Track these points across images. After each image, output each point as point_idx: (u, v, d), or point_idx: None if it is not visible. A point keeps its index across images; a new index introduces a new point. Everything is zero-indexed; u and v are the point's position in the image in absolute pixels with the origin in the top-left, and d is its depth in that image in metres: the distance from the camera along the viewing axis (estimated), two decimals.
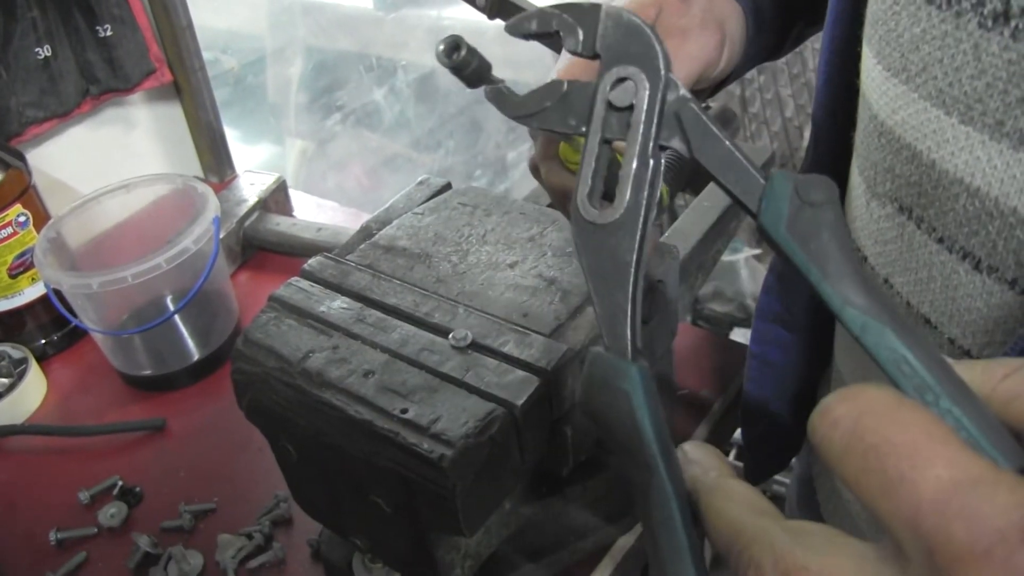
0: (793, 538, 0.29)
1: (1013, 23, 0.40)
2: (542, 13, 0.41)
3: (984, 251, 0.46)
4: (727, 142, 0.37)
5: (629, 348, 0.38)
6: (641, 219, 0.38)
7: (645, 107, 0.38)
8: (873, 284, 0.33)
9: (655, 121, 0.38)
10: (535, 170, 0.63)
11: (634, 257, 0.38)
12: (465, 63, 0.42)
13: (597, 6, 0.40)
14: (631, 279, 0.38)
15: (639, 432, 0.35)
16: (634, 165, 0.38)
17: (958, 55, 0.43)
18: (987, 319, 0.48)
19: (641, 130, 0.38)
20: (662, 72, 0.38)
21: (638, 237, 0.38)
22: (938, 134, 0.46)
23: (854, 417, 0.28)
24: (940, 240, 0.49)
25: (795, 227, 0.35)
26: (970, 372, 0.31)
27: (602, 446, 0.65)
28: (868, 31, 0.52)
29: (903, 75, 0.48)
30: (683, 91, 0.38)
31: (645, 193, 0.38)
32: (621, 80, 0.39)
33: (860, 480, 0.27)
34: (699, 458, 0.36)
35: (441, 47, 0.42)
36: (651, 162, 0.38)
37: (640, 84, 0.38)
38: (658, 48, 0.38)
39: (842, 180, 0.61)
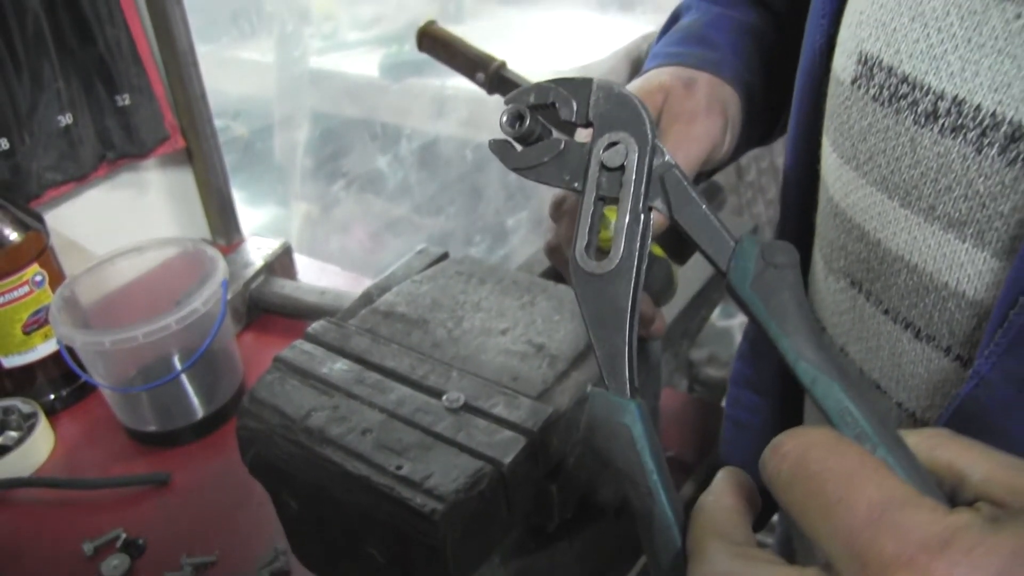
0: (735, 559, 0.34)
1: (940, 121, 0.45)
2: (539, 87, 0.45)
3: (923, 322, 0.51)
4: (703, 206, 0.41)
5: (628, 387, 0.41)
6: (635, 268, 0.42)
7: (635, 167, 0.42)
8: (824, 342, 0.38)
9: (644, 180, 0.42)
10: (554, 252, 0.66)
11: (629, 302, 0.42)
12: (529, 132, 0.45)
13: (589, 80, 0.44)
14: (627, 323, 0.42)
15: (640, 463, 0.39)
16: (627, 219, 0.42)
17: (898, 147, 0.49)
18: (928, 384, 0.52)
19: (632, 188, 0.42)
20: (649, 136, 0.42)
21: (632, 284, 0.42)
22: (882, 216, 0.51)
23: (801, 450, 0.32)
24: (886, 312, 0.54)
25: (759, 285, 0.39)
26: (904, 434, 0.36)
27: (602, 484, 0.68)
28: (826, 122, 0.57)
29: (853, 163, 0.53)
30: (668, 157, 0.42)
31: (637, 244, 0.42)
32: (613, 144, 0.43)
33: (804, 504, 0.31)
34: (716, 481, 0.39)
35: (504, 118, 0.45)
36: (642, 216, 0.42)
37: (630, 147, 0.42)
38: (645, 116, 0.42)
39: (806, 257, 0.66)
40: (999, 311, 0.44)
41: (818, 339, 0.38)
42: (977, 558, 0.28)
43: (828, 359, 0.37)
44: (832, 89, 0.56)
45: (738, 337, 2.92)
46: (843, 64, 0.54)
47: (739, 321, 3.07)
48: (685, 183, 0.42)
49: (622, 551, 0.75)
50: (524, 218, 2.40)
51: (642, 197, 0.42)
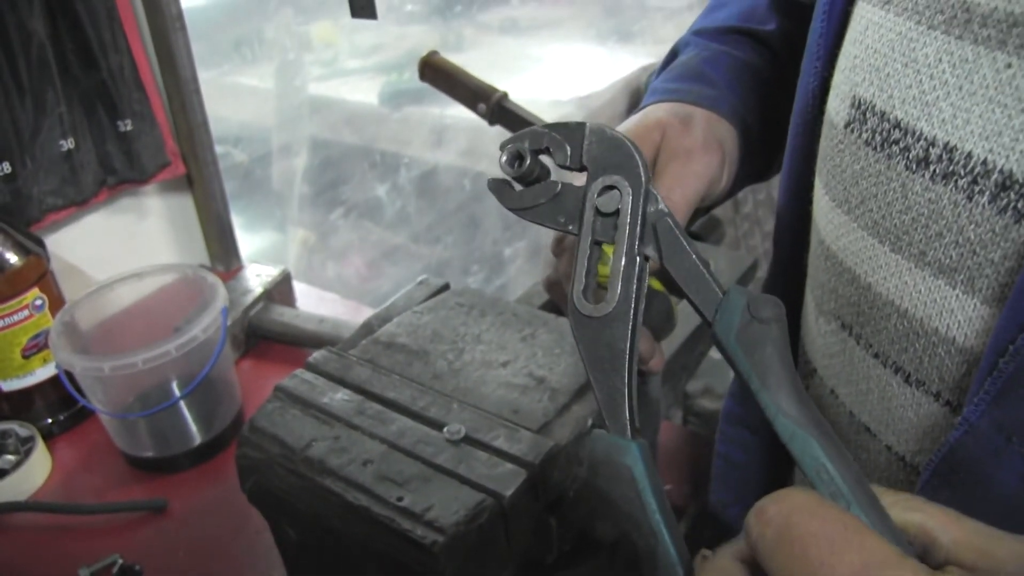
0: None
1: (931, 168, 0.46)
2: (533, 133, 0.46)
3: (912, 366, 0.52)
4: (694, 256, 0.42)
5: (628, 427, 0.42)
6: (632, 310, 0.42)
7: (629, 212, 0.43)
8: (805, 397, 0.38)
9: (639, 224, 0.43)
10: (553, 287, 0.65)
11: (628, 344, 0.42)
12: (528, 172, 0.46)
13: (582, 124, 0.45)
14: (626, 364, 0.42)
15: (643, 503, 0.40)
16: (623, 263, 0.43)
17: (889, 192, 0.49)
18: (917, 428, 0.53)
19: (627, 232, 0.43)
20: (643, 180, 0.43)
21: (630, 326, 0.42)
22: (873, 260, 0.52)
23: (784, 515, 0.32)
24: (876, 355, 0.54)
25: (743, 339, 0.39)
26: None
27: (601, 518, 0.69)
28: (819, 165, 0.58)
29: (845, 206, 0.53)
30: (661, 204, 0.43)
31: (634, 287, 0.42)
32: (608, 188, 0.43)
33: (788, 569, 0.32)
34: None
35: (504, 158, 0.46)
36: (637, 259, 0.43)
37: (624, 191, 0.43)
38: (638, 159, 0.43)
39: (798, 297, 0.66)
40: (988, 359, 0.44)
41: (799, 395, 0.38)
42: None
43: (808, 415, 0.38)
44: (825, 132, 0.57)
45: None
46: (837, 108, 0.55)
47: None
48: (676, 231, 0.42)
49: None
50: (521, 248, 2.40)
51: (637, 241, 0.43)
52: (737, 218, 3.23)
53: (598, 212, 0.44)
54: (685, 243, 0.42)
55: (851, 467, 0.36)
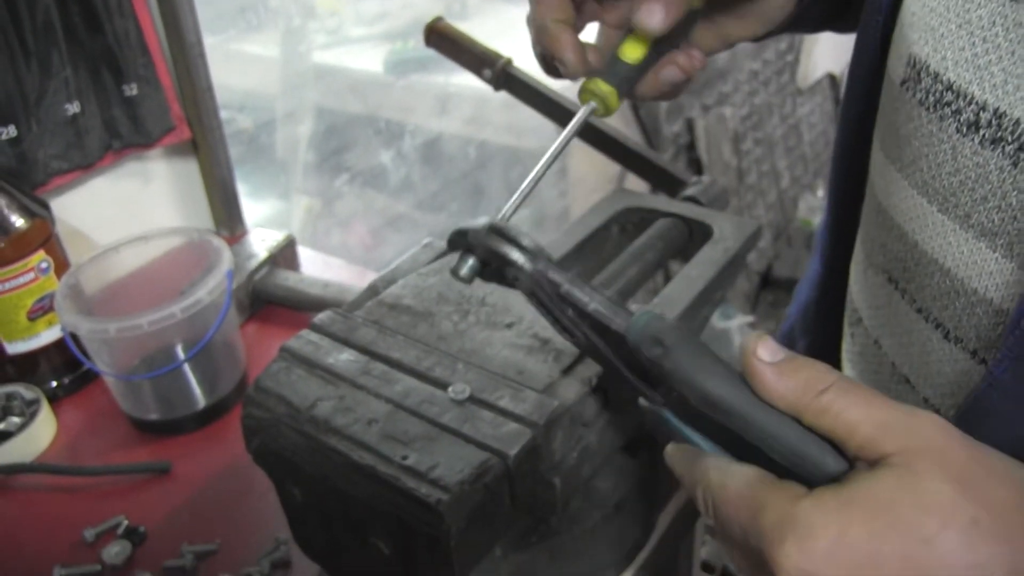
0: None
1: (981, 132, 0.46)
2: (451, 242, 0.58)
3: (952, 323, 0.53)
4: (590, 311, 0.52)
5: (652, 398, 0.51)
6: (591, 349, 0.53)
7: (535, 300, 0.53)
8: (728, 380, 0.46)
9: (549, 305, 0.53)
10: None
11: (610, 367, 0.52)
12: (472, 275, 0.57)
13: (466, 232, 0.56)
14: (619, 370, 0.52)
15: (695, 443, 0.49)
16: (557, 330, 0.55)
17: (940, 153, 0.50)
18: (953, 383, 0.54)
19: (544, 312, 0.54)
20: (528, 270, 0.53)
21: (599, 359, 0.53)
22: (921, 219, 0.53)
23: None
24: (919, 310, 0.55)
25: (651, 374, 0.48)
26: (793, 381, 0.43)
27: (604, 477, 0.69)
28: (878, 119, 0.58)
29: (897, 164, 0.54)
30: (552, 275, 0.53)
31: (578, 334, 0.53)
32: (514, 278, 0.54)
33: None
34: None
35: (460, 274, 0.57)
36: (562, 318, 0.53)
37: (522, 283, 0.54)
38: (509, 255, 0.54)
39: (850, 246, 0.69)
40: (1016, 317, 0.45)
41: (723, 379, 0.46)
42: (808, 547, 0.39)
43: (737, 394, 0.45)
44: (885, 88, 0.57)
45: (737, 338, 2.93)
46: (894, 64, 0.55)
47: (737, 323, 3.08)
48: (571, 298, 0.52)
49: (623, 544, 0.76)
50: (526, 216, 2.40)
51: (554, 311, 0.54)
52: (741, 188, 3.22)
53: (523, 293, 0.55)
54: (578, 303, 0.52)
55: (786, 424, 0.43)
